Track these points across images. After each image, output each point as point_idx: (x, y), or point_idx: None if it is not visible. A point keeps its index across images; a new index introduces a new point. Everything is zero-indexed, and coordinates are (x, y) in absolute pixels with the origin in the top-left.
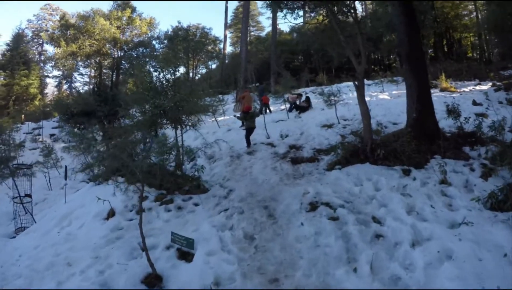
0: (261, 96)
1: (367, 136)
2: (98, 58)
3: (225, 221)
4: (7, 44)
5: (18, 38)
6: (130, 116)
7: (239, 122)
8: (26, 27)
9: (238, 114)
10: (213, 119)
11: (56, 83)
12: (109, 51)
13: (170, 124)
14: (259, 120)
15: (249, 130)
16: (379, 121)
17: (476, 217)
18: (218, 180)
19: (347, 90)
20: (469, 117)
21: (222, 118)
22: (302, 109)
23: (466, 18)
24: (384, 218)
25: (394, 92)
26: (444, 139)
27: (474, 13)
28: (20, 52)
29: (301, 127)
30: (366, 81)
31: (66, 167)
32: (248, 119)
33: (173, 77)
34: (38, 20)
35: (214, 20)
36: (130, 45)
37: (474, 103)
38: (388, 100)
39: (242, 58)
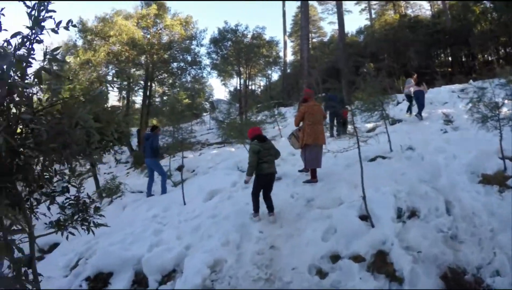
0: (335, 110)
1: None
2: (129, 66)
3: None
4: None
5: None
6: None
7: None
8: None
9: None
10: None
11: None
12: (134, 57)
13: None
14: (335, 160)
15: (262, 183)
16: None
17: None
18: None
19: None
20: None
21: (277, 142)
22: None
23: None
24: None
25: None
26: None
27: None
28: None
29: (442, 188)
30: (443, 88)
31: None
32: (263, 156)
33: None
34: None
35: (271, 29)
36: (157, 48)
37: None
38: None
39: (303, 58)
